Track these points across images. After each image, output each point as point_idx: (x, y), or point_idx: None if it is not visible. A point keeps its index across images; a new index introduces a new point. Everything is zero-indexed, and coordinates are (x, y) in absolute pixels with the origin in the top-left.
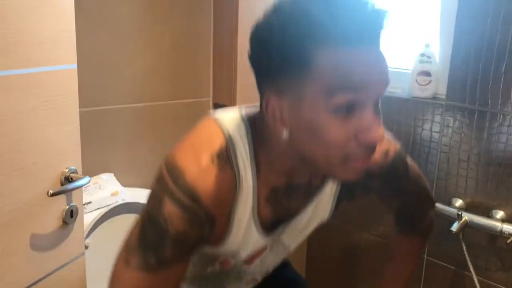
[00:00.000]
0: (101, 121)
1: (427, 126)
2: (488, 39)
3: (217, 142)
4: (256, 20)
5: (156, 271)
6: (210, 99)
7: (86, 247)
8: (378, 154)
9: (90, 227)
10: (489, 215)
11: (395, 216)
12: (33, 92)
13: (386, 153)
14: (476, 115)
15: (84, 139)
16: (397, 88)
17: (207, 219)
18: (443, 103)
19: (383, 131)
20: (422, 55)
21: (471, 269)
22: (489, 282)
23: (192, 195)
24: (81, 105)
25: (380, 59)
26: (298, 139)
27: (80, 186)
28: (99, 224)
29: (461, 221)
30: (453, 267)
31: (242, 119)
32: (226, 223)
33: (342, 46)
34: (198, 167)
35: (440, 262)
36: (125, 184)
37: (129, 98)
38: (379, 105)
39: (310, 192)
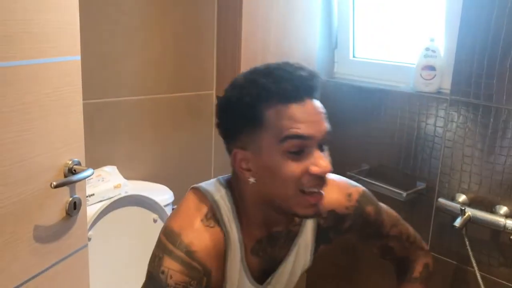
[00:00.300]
0: (105, 113)
1: (431, 121)
2: (494, 33)
3: (205, 207)
4: (221, 97)
5: None
6: (214, 92)
7: (89, 239)
8: (341, 197)
9: (93, 219)
10: (492, 211)
11: (392, 264)
12: (37, 83)
13: (350, 195)
14: (480, 110)
15: (87, 131)
16: (401, 83)
17: (204, 273)
18: (448, 97)
19: (330, 166)
20: (427, 49)
21: (474, 264)
22: (492, 277)
23: (189, 251)
24: (84, 97)
25: (318, 111)
26: (262, 182)
27: (84, 178)
28: (102, 217)
29: (464, 216)
30: (455, 262)
31: (221, 183)
32: (221, 277)
33: (285, 104)
34: (192, 229)
35: (442, 257)
36: (128, 176)
37: (132, 91)
38: (324, 146)
39: (290, 239)
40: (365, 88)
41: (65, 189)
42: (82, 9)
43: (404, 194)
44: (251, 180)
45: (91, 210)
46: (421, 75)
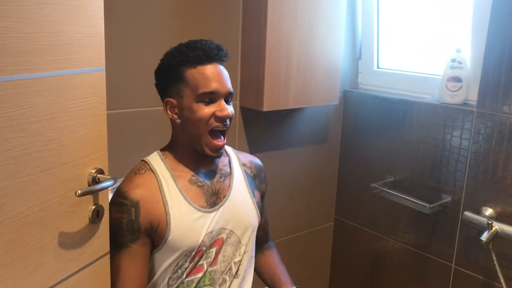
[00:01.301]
0: (128, 123)
1: (457, 133)
2: None
3: (140, 165)
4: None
5: (114, 255)
6: (237, 102)
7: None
8: (256, 160)
9: None
10: None
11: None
12: (63, 94)
13: (256, 162)
14: (508, 123)
15: (110, 140)
16: (427, 94)
17: (131, 205)
18: (474, 109)
19: (231, 113)
20: (453, 60)
21: (502, 280)
22: None
23: (121, 193)
24: (108, 107)
25: (223, 72)
26: (184, 122)
27: (107, 187)
28: None
29: (491, 231)
30: (482, 277)
31: (156, 151)
32: (161, 205)
33: (198, 64)
34: (127, 180)
35: (469, 272)
36: None
37: (155, 101)
38: (230, 100)
39: (224, 176)
40: (389, 99)
41: (89, 197)
42: (107, 20)
43: (429, 206)
44: (178, 121)
45: None
46: (446, 86)
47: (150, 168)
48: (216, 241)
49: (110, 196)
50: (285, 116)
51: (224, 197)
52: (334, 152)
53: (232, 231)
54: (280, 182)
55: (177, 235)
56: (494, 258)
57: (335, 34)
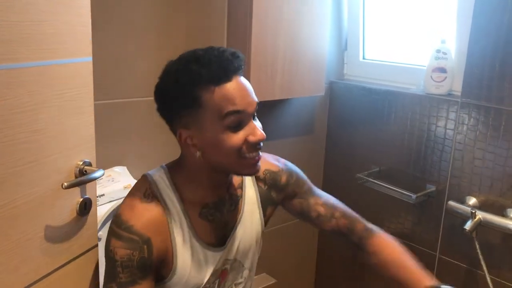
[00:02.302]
0: (115, 114)
1: (441, 123)
2: (506, 35)
3: (144, 187)
4: (156, 83)
5: None
6: None
7: (99, 239)
8: (270, 161)
9: (103, 220)
10: (503, 214)
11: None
12: (49, 84)
13: (277, 160)
14: (492, 112)
15: (98, 132)
16: (412, 85)
17: (143, 242)
18: (458, 100)
19: (264, 134)
20: (438, 51)
21: (484, 268)
22: (502, 281)
23: (127, 227)
24: (95, 98)
25: (247, 86)
26: (207, 154)
27: (94, 179)
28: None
29: (475, 220)
30: (465, 266)
31: (162, 167)
32: (169, 243)
33: (216, 85)
34: (131, 208)
35: (452, 260)
36: (138, 177)
37: (143, 92)
38: (256, 116)
39: (235, 203)
40: (375, 89)
41: (76, 189)
42: (94, 10)
43: (414, 196)
44: (198, 154)
45: (101, 210)
46: (431, 77)
47: (156, 195)
48: (220, 274)
49: (98, 189)
50: (271, 107)
51: (232, 227)
52: (320, 143)
53: (236, 259)
54: None
55: (182, 275)
56: (477, 246)
57: (321, 25)
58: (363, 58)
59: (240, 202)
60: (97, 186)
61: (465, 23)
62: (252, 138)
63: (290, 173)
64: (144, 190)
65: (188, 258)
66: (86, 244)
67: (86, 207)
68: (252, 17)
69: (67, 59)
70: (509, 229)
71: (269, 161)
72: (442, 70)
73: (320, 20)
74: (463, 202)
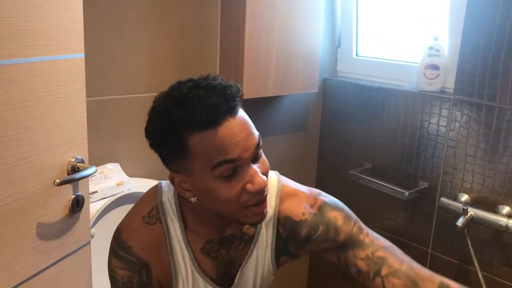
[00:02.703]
0: (108, 110)
1: (434, 120)
2: (498, 33)
3: (150, 205)
4: (146, 122)
5: None
6: None
7: (92, 236)
8: (298, 204)
9: (95, 217)
10: (495, 211)
11: None
12: (41, 81)
13: (312, 205)
14: (484, 109)
15: (90, 128)
16: (405, 82)
17: (141, 266)
18: (451, 97)
19: (266, 179)
20: (431, 48)
21: (476, 264)
22: (494, 277)
23: (126, 247)
24: (88, 95)
25: (243, 127)
26: (204, 201)
27: (87, 176)
28: (105, 214)
29: (467, 216)
30: (457, 262)
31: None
32: (169, 271)
33: (204, 130)
34: (132, 226)
35: (444, 257)
36: (130, 174)
37: (136, 88)
38: (259, 153)
39: (246, 242)
40: (368, 86)
41: (68, 186)
42: (86, 6)
43: (406, 193)
44: (193, 199)
45: (94, 207)
46: (424, 74)
47: (161, 218)
48: None
49: (91, 185)
50: (264, 104)
51: (239, 266)
52: (313, 140)
53: None
54: None
55: None
56: (469, 242)
57: (314, 22)
58: (356, 55)
59: (251, 242)
60: (90, 183)
61: (457, 20)
62: (250, 188)
63: (316, 224)
64: (150, 209)
65: None
66: (78, 241)
67: (78, 204)
68: (245, 14)
69: (59, 56)
70: (500, 225)
71: (297, 204)
72: (435, 67)
73: (313, 17)
74: (455, 198)
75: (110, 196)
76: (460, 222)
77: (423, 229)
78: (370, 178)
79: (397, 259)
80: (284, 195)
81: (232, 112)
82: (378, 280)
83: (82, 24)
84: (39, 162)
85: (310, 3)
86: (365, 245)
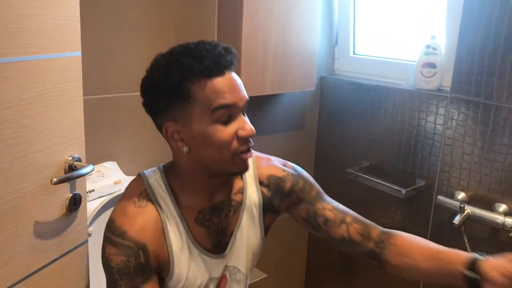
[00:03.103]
0: (105, 109)
1: (431, 118)
2: (495, 31)
3: (138, 190)
4: (143, 77)
5: None
6: None
7: (89, 235)
8: (277, 166)
9: (93, 215)
10: (491, 209)
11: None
12: (37, 79)
13: (284, 165)
14: (481, 108)
15: (87, 127)
16: (402, 80)
17: (138, 248)
18: (448, 95)
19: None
20: (428, 46)
21: None
22: None
23: (120, 233)
24: (85, 93)
25: (238, 81)
26: (195, 149)
27: (84, 175)
28: (102, 213)
29: (463, 214)
30: None
31: (159, 168)
32: (167, 252)
33: (208, 78)
34: (124, 213)
35: None
36: (128, 172)
37: (133, 87)
38: (244, 112)
39: (235, 208)
40: (365, 85)
41: (66, 185)
42: (82, 4)
43: (404, 191)
44: (185, 149)
45: (91, 206)
46: (421, 72)
47: (151, 198)
48: (219, 281)
49: (88, 184)
50: (262, 102)
51: (231, 234)
52: (310, 138)
53: (236, 268)
54: None
55: (179, 279)
56: (466, 240)
57: (312, 21)
58: (354, 53)
59: (240, 208)
60: (87, 181)
61: (454, 18)
62: (242, 133)
63: (297, 178)
64: (139, 193)
65: (185, 263)
66: (76, 240)
67: (75, 202)
68: (242, 12)
69: (55, 54)
70: (497, 223)
71: (275, 165)
72: (432, 65)
73: (310, 15)
74: (452, 196)
75: (108, 194)
76: (457, 220)
77: (420, 227)
78: (367, 176)
79: (351, 211)
80: (258, 161)
81: (233, 66)
82: (343, 226)
83: (79, 22)
84: (36, 161)
85: (308, 1)
86: (329, 200)
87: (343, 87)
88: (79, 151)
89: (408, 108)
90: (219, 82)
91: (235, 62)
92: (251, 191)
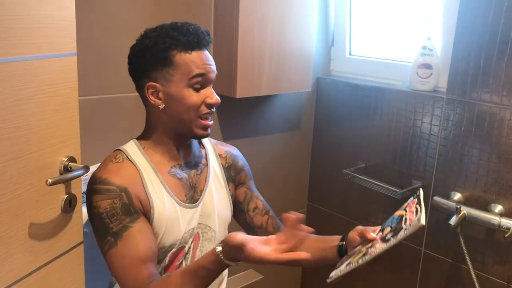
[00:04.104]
0: (101, 110)
1: (427, 119)
2: (490, 33)
3: (115, 153)
4: (132, 45)
5: (116, 244)
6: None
7: (85, 233)
8: (233, 148)
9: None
10: (487, 209)
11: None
12: (32, 80)
13: (236, 151)
14: (476, 109)
15: (82, 128)
16: (398, 81)
17: (120, 190)
18: (444, 96)
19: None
20: (424, 47)
21: (469, 262)
22: (486, 275)
23: (102, 180)
24: (80, 94)
25: (210, 59)
26: (170, 108)
27: (79, 176)
28: None
29: (459, 215)
30: (450, 260)
31: (132, 139)
32: (147, 199)
33: (188, 51)
34: (105, 167)
35: (437, 255)
36: None
37: (128, 87)
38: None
39: (201, 168)
40: (361, 86)
41: (61, 186)
42: (78, 4)
43: (400, 192)
44: (161, 106)
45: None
46: (417, 73)
47: (128, 157)
48: (194, 236)
49: (83, 185)
50: (258, 103)
51: (201, 191)
52: (306, 139)
53: (208, 226)
54: (253, 169)
55: (159, 229)
56: (462, 241)
57: (308, 21)
58: (350, 54)
59: (205, 170)
60: (82, 182)
61: (450, 20)
62: (209, 100)
63: (245, 162)
64: (115, 155)
65: (163, 211)
66: (71, 241)
67: (71, 204)
68: (239, 13)
69: (51, 54)
70: (492, 224)
71: (230, 146)
72: (428, 66)
73: (307, 16)
74: (448, 197)
75: None
76: (453, 220)
77: None
78: (363, 177)
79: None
80: (216, 142)
81: (208, 46)
82: (265, 217)
83: (75, 22)
84: (31, 162)
85: (304, 2)
86: (257, 191)
87: (339, 88)
88: (74, 152)
89: (404, 109)
90: (198, 55)
91: (210, 43)
92: (212, 159)
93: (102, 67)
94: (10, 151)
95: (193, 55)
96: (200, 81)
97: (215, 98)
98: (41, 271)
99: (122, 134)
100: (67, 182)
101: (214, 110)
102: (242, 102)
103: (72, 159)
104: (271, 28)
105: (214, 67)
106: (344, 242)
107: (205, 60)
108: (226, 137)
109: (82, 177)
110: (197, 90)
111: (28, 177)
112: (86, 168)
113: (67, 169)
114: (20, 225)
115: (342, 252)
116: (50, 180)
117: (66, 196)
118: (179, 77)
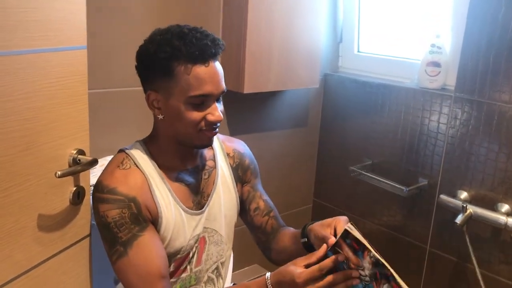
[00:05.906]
0: (109, 103)
1: (434, 117)
2: (500, 31)
3: (120, 158)
4: (140, 46)
5: (127, 253)
6: None
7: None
8: (240, 144)
9: None
10: (494, 208)
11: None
12: (42, 73)
13: (244, 146)
14: (485, 107)
15: (92, 120)
16: (406, 78)
17: (129, 200)
18: (452, 94)
19: (222, 116)
20: (433, 45)
21: (474, 261)
22: (492, 275)
23: (110, 190)
24: (89, 87)
25: (219, 72)
26: (168, 119)
27: (88, 168)
28: None
29: (466, 214)
30: (455, 259)
31: (138, 141)
32: (155, 206)
33: (192, 63)
34: (111, 175)
35: (443, 254)
36: None
37: (137, 81)
38: (220, 99)
39: (209, 172)
40: (369, 83)
41: (69, 178)
42: None
43: (406, 189)
44: (160, 116)
45: None
46: (426, 71)
47: (134, 163)
48: (199, 240)
49: (92, 178)
50: (265, 98)
51: (208, 196)
52: (313, 135)
53: (214, 230)
54: (259, 164)
55: (165, 237)
56: (468, 240)
57: (316, 17)
58: (358, 51)
59: (213, 173)
60: (91, 175)
61: (460, 17)
62: (210, 117)
63: (251, 160)
64: (121, 160)
65: (170, 218)
66: (79, 233)
67: (79, 196)
68: (247, 9)
69: (60, 47)
70: (499, 223)
71: (238, 141)
72: (437, 64)
73: (315, 12)
74: (454, 196)
75: None
76: (459, 219)
77: (422, 226)
78: (369, 174)
79: (275, 207)
80: (223, 139)
81: (216, 57)
82: (265, 218)
83: (85, 15)
84: (40, 154)
85: None
86: (263, 190)
87: (347, 85)
88: (83, 144)
89: (411, 107)
90: (201, 70)
91: (220, 53)
92: (220, 159)
93: (111, 60)
94: (19, 143)
95: (195, 71)
96: (200, 100)
97: (216, 115)
98: (48, 262)
99: (131, 127)
100: (75, 174)
101: (217, 125)
102: (250, 98)
103: (81, 152)
104: (279, 24)
105: (220, 83)
106: (306, 239)
107: (209, 75)
108: (233, 133)
109: (90, 170)
110: (198, 106)
111: (37, 169)
112: (95, 161)
113: (76, 162)
114: (29, 216)
115: (310, 248)
116: (59, 172)
117: (74, 188)
118: (179, 90)
